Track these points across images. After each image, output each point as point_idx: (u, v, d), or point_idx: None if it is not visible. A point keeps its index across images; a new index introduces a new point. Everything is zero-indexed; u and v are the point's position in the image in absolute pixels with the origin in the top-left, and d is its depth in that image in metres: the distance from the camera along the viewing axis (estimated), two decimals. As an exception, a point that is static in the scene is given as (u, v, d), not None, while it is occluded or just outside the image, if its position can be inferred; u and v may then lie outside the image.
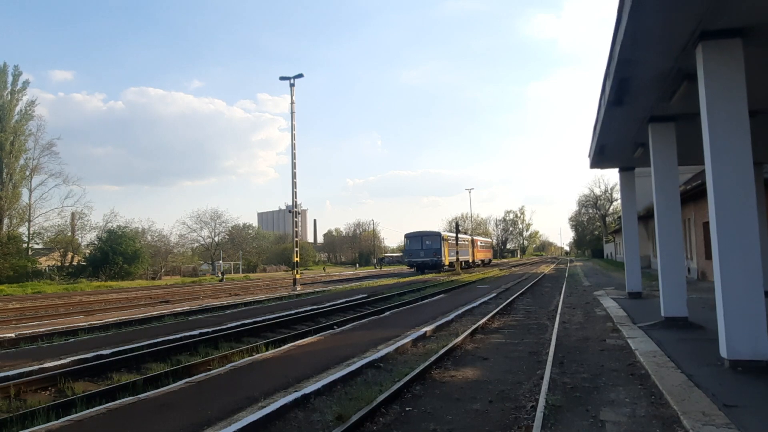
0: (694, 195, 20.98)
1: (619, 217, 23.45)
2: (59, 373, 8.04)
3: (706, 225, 20.38)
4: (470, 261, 53.81)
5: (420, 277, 39.26)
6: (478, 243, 60.95)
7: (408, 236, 48.11)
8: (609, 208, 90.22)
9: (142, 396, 6.49)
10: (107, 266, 47.57)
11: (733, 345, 6.69)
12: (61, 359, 9.20)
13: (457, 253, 45.64)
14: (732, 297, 6.67)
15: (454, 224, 51.41)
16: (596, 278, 30.54)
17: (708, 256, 19.69)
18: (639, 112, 10.20)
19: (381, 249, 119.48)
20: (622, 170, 16.80)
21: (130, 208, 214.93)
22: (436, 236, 46.67)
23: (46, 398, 7.27)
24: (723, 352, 6.84)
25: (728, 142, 6.79)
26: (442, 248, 45.77)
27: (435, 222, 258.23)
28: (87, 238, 55.82)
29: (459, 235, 47.78)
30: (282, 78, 28.77)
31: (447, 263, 46.57)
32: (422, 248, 45.51)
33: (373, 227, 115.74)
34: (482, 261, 61.59)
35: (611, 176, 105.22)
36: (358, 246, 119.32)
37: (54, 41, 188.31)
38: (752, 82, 6.88)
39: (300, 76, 28.72)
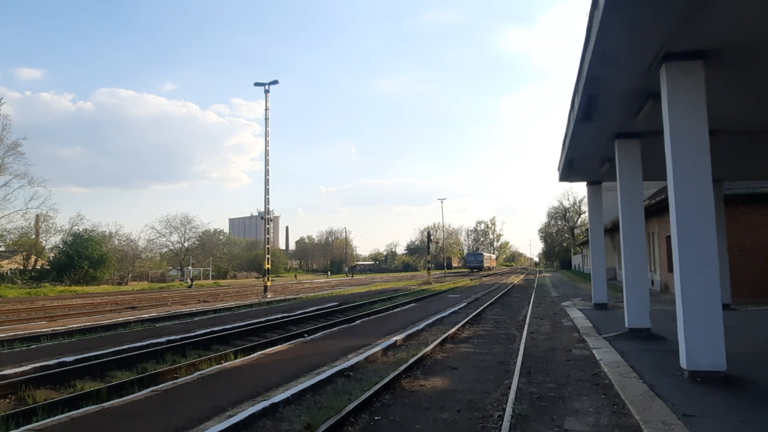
0: (658, 209, 21.56)
1: (587, 230, 23.96)
2: (20, 381, 7.80)
3: (669, 239, 20.98)
4: (489, 266, 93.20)
5: (392, 285, 40.49)
6: (493, 257, 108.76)
7: (467, 253, 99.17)
8: (577, 220, 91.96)
9: (106, 404, 6.36)
10: (72, 270, 46.39)
11: (693, 356, 6.91)
12: (22, 366, 8.94)
13: (486, 261, 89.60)
14: (691, 309, 6.91)
15: (426, 234, 57.57)
16: (564, 289, 31.09)
17: (670, 268, 20.27)
18: (606, 128, 10.50)
19: (353, 257, 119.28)
20: (590, 184, 17.20)
21: (98, 212, 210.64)
22: (480, 254, 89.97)
23: (6, 406, 7.04)
24: (683, 362, 7.06)
25: (689, 159, 7.05)
26: (483, 260, 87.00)
27: (407, 231, 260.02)
28: (51, 241, 54.43)
29: (486, 254, 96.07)
30: (257, 84, 28.63)
31: (485, 267, 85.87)
32: (474, 260, 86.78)
33: (345, 235, 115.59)
34: (492, 267, 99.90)
35: (580, 189, 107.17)
36: (330, 254, 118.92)
37: (22, 39, 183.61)
38: (712, 102, 7.18)
39: (275, 82, 28.64)
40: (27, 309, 22.71)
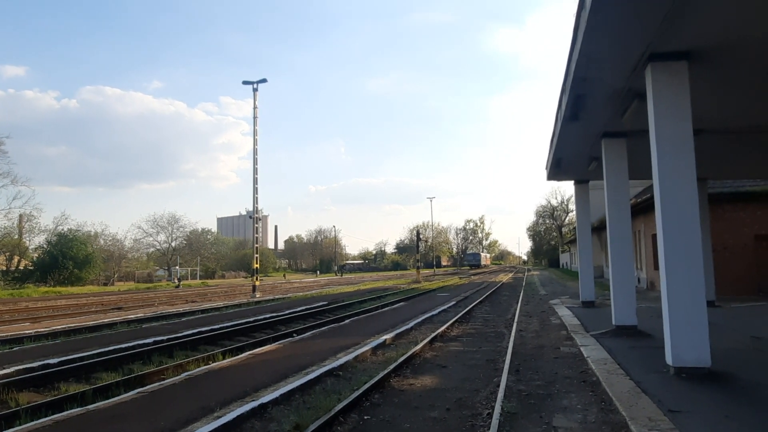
0: (643, 208, 21.75)
1: (575, 228, 24.14)
2: (2, 384, 7.68)
3: (654, 237, 21.17)
4: (485, 264, 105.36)
5: (381, 284, 40.61)
6: (487, 256, 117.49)
7: (467, 253, 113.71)
8: (565, 218, 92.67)
9: (91, 407, 6.28)
10: (56, 271, 45.81)
11: (678, 353, 6.99)
12: (4, 369, 8.81)
13: (483, 260, 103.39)
14: (677, 306, 6.98)
15: (415, 233, 58.10)
16: (552, 287, 31.28)
17: (656, 266, 20.47)
18: (593, 127, 10.57)
19: (342, 256, 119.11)
20: (577, 183, 17.30)
21: (83, 211, 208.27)
22: (478, 254, 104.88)
23: (-12, 410, 6.94)
24: (668, 359, 7.13)
25: (674, 158, 7.12)
26: (480, 259, 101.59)
27: (397, 230, 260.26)
28: (35, 241, 53.68)
29: (482, 254, 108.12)
30: (245, 82, 28.41)
31: (482, 265, 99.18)
32: (474, 258, 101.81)
33: (334, 234, 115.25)
34: (487, 265, 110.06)
35: (567, 188, 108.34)
36: (319, 253, 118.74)
37: (5, 36, 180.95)
38: (696, 102, 7.26)
39: (263, 81, 28.45)
40: (10, 310, 22.38)
